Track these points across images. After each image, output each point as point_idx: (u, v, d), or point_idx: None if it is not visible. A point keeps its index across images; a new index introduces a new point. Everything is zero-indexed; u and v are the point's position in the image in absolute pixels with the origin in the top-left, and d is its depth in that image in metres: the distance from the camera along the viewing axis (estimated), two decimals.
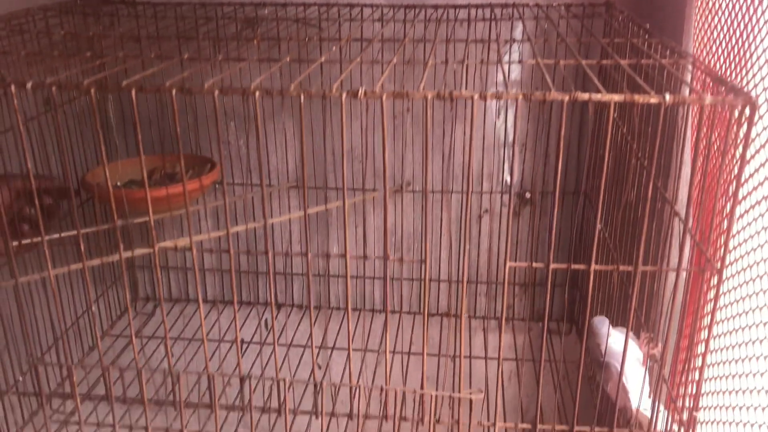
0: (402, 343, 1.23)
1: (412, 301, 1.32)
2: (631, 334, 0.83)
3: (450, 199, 1.24)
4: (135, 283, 1.37)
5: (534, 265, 0.66)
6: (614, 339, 0.82)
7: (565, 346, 1.24)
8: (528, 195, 1.23)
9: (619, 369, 0.80)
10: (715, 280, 0.64)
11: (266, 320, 1.31)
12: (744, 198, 0.71)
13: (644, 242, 0.64)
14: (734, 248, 0.72)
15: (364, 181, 1.25)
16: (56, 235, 0.92)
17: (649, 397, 0.80)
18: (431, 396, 0.69)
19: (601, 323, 0.84)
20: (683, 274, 0.67)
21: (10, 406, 0.90)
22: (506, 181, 1.22)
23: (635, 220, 0.92)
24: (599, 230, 1.07)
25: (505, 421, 1.10)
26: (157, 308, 1.33)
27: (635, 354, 0.82)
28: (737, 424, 0.70)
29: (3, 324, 0.92)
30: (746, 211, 0.71)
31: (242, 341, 1.26)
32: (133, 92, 0.64)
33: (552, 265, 0.66)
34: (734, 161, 0.60)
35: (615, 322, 0.89)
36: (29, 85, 0.65)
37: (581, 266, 0.67)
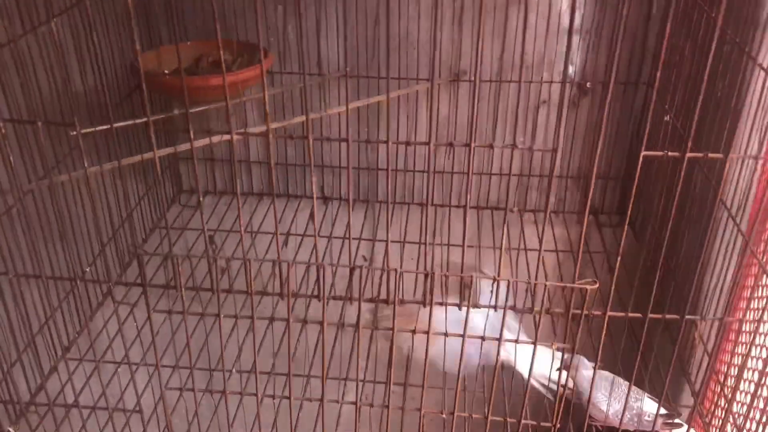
0: (447, 235, 1.23)
1: (461, 194, 1.31)
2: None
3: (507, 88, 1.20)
4: (179, 176, 1.35)
5: None
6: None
7: (617, 236, 1.24)
8: (588, 85, 1.19)
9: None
10: None
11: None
12: None
13: None
14: None
15: (418, 70, 1.20)
16: (125, 123, 0.89)
17: None
18: (544, 286, 0.68)
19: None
20: None
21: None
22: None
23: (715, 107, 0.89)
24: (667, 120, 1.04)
25: None
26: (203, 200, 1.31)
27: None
28: None
29: (70, 216, 0.91)
30: None
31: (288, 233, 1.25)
32: None
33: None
34: None
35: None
36: None
37: (676, 154, 0.64)
